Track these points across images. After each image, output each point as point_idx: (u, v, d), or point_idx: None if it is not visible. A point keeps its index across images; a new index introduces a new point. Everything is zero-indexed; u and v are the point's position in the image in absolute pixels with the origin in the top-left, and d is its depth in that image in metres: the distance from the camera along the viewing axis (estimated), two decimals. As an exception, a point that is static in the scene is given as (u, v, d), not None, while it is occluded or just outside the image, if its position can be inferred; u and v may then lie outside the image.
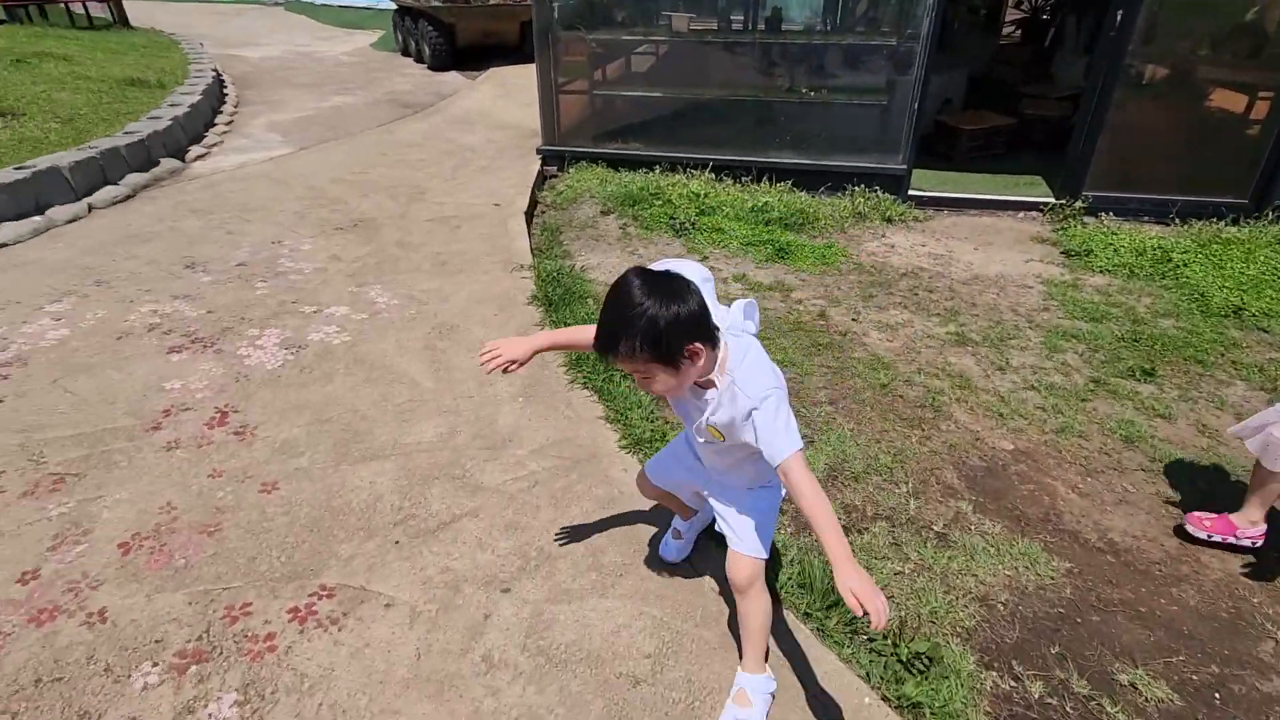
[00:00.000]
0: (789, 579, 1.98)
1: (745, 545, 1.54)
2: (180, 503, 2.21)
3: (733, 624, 1.84)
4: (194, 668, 1.70)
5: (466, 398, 2.78)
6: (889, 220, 4.86)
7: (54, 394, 2.72)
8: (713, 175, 5.28)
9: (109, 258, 3.92)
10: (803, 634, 1.81)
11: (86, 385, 2.78)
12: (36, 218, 4.32)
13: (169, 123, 5.79)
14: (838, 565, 1.16)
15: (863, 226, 4.80)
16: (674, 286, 1.22)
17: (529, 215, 4.83)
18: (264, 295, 3.56)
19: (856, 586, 1.13)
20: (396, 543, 2.08)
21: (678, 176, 5.30)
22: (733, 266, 4.12)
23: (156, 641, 1.76)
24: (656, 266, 1.32)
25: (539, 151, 5.79)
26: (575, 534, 2.12)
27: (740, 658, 1.68)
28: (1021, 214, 5.00)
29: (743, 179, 5.27)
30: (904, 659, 1.74)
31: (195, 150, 5.98)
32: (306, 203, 4.85)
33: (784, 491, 1.56)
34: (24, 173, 4.34)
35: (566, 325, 3.31)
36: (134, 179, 5.07)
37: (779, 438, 1.25)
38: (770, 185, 5.20)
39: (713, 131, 5.43)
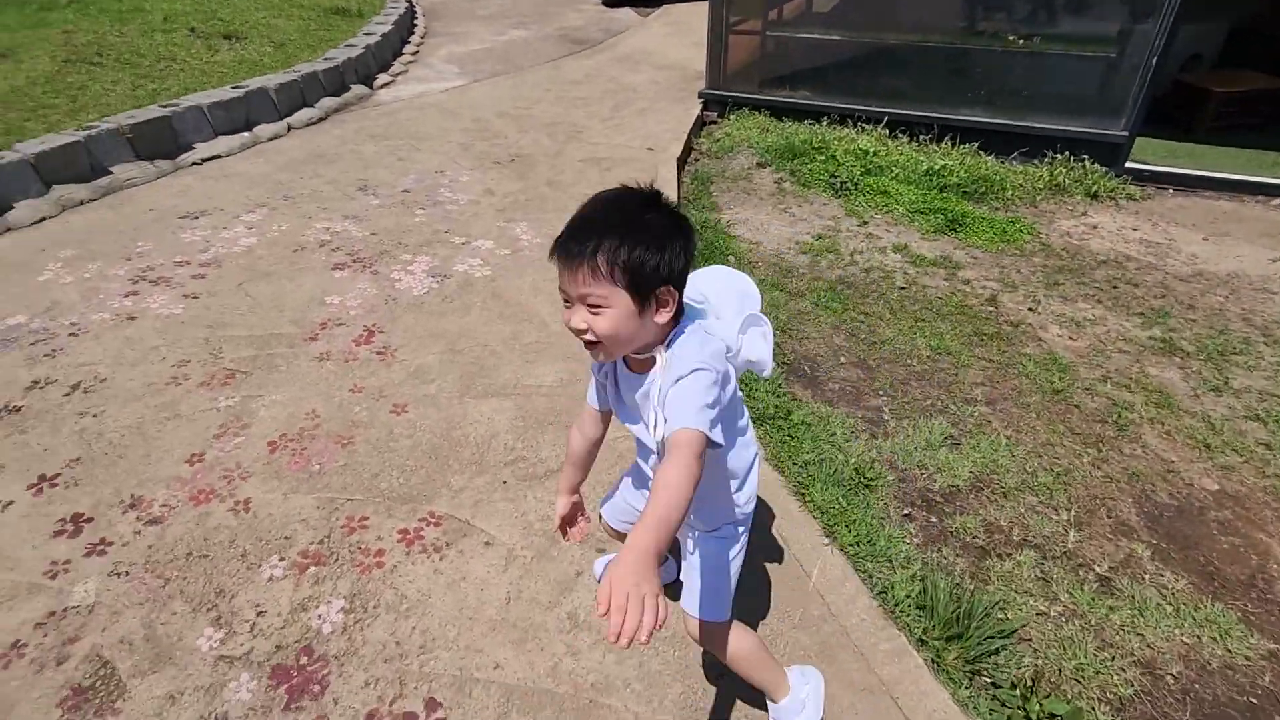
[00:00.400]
0: (906, 596, 1.77)
1: (692, 605, 1.29)
2: (323, 412, 2.39)
3: (835, 635, 1.69)
4: (313, 569, 1.83)
5: (591, 346, 2.74)
6: (1094, 196, 4.16)
7: (237, 296, 3.02)
8: (886, 131, 4.78)
9: (298, 175, 4.28)
10: (913, 661, 1.62)
11: (264, 291, 3.07)
12: (245, 134, 4.80)
13: (362, 50, 6.18)
14: (623, 551, 0.81)
15: (1059, 201, 4.15)
16: (687, 227, 1.08)
17: (681, 162, 4.65)
18: (421, 222, 3.72)
19: (617, 579, 0.77)
20: (504, 482, 2.11)
21: (846, 130, 4.85)
22: (894, 235, 3.72)
23: (286, 538, 1.91)
24: (706, 271, 1.16)
25: (701, 95, 5.54)
26: (679, 504, 2.03)
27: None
28: (1277, 200, 4.08)
29: (921, 137, 4.72)
30: (1034, 718, 1.50)
31: (382, 78, 6.36)
32: (471, 135, 5.00)
33: (742, 546, 1.33)
34: (239, 92, 4.82)
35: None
36: (327, 102, 5.49)
37: (688, 408, 0.97)
38: (952, 146, 4.62)
39: (893, 82, 4.90)
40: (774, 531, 1.96)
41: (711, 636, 1.31)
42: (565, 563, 1.86)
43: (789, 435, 2.28)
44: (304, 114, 5.23)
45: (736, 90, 5.41)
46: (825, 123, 4.99)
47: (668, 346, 1.09)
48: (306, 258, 3.35)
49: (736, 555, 1.33)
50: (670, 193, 4.06)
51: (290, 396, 2.45)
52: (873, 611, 1.74)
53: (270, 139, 4.86)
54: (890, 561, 1.88)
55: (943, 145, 4.64)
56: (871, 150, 4.50)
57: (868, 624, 1.70)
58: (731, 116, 5.36)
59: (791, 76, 5.40)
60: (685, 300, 1.13)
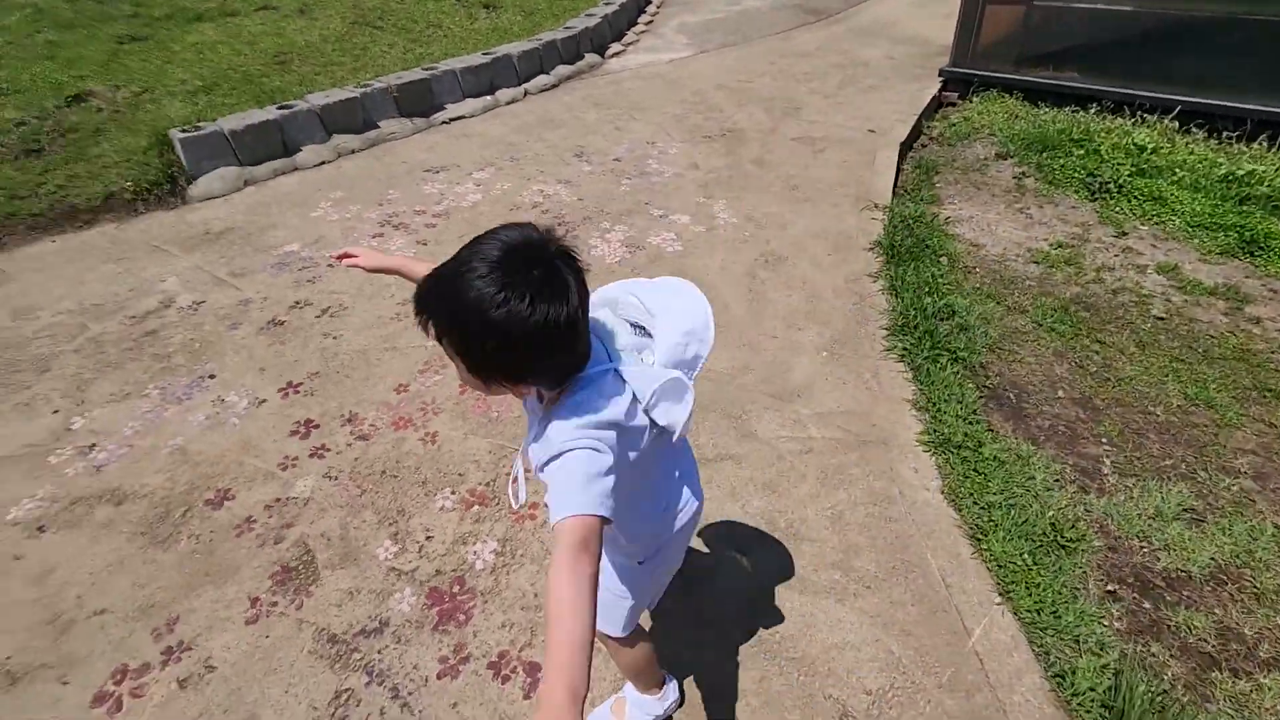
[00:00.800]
0: (1090, 689, 1.50)
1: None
2: (509, 364, 2.57)
3: (989, 710, 1.48)
4: (476, 508, 2.00)
5: (770, 337, 2.64)
6: None
7: (457, 247, 3.34)
8: (1175, 124, 3.96)
9: (526, 138, 4.61)
10: (1084, 767, 1.37)
11: (479, 245, 3.36)
12: (488, 97, 5.26)
13: (599, 20, 6.43)
14: (539, 706, 0.71)
15: None
16: (552, 289, 0.86)
17: (905, 147, 4.26)
18: (625, 192, 3.82)
19: None
20: (659, 462, 2.12)
21: (1119, 121, 4.10)
22: (1161, 252, 3.09)
23: (459, 475, 2.11)
24: (648, 285, 1.09)
25: (941, 73, 5.00)
26: (833, 521, 1.90)
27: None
28: None
29: (1224, 133, 3.84)
30: None
31: (614, 47, 6.58)
32: (687, 106, 5.01)
33: (636, 585, 1.26)
34: (487, 58, 5.28)
35: (905, 283, 2.89)
36: (561, 70, 5.81)
37: (568, 494, 0.84)
38: (1269, 148, 3.70)
39: (1195, 63, 4.01)
40: (936, 573, 1.76)
41: (602, 639, 1.33)
42: (702, 557, 1.83)
43: (975, 469, 2.02)
44: (540, 80, 5.59)
45: (985, 69, 4.80)
46: (1093, 110, 4.25)
47: (568, 392, 0.95)
48: (519, 217, 3.61)
49: (629, 589, 1.25)
50: (886, 181, 3.75)
51: (484, 345, 2.67)
52: (1042, 695, 1.49)
53: (508, 103, 5.27)
54: (1077, 642, 1.60)
55: (1255, 145, 3.74)
56: (1150, 146, 3.75)
57: (1033, 708, 1.47)
58: (975, 99, 4.78)
59: (1058, 54, 4.66)
60: (624, 318, 1.08)
